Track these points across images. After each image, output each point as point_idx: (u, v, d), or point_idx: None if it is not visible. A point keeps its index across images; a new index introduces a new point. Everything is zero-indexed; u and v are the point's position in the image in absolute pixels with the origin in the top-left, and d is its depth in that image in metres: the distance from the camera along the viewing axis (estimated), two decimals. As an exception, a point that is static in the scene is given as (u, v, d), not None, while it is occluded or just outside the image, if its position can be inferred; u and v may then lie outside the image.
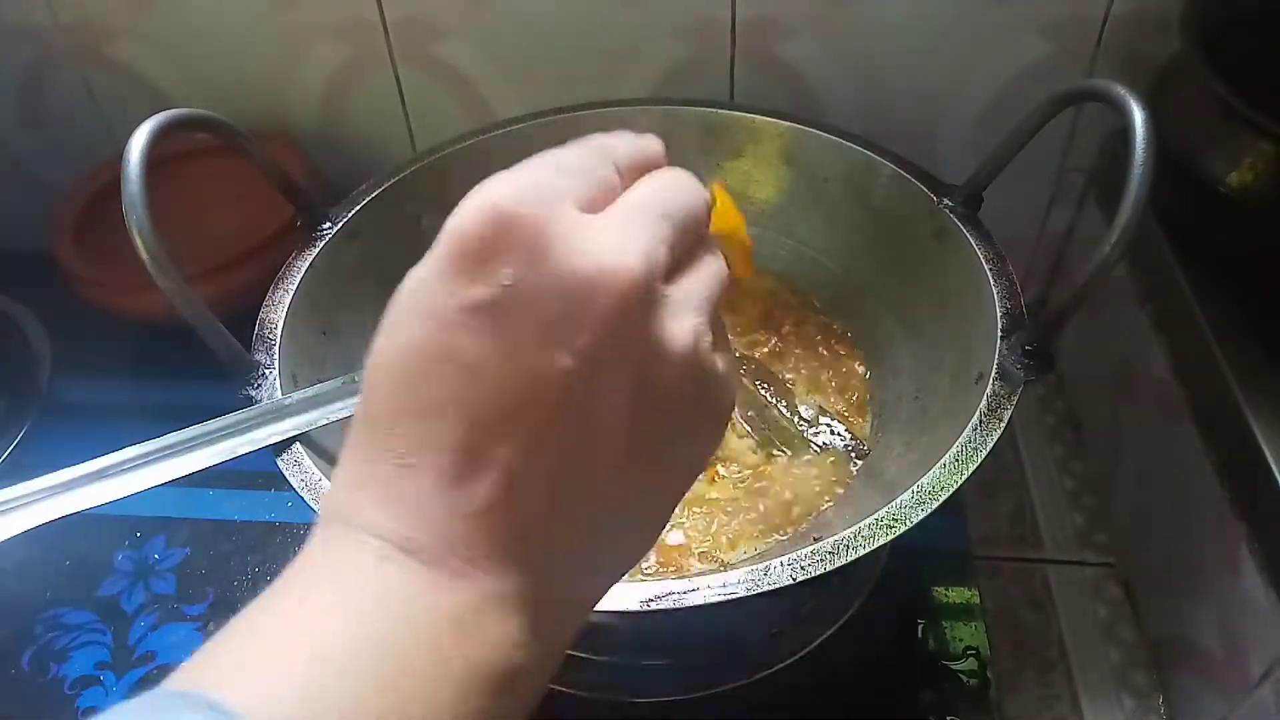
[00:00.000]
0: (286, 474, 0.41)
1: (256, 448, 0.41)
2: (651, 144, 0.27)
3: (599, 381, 0.22)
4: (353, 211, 0.53)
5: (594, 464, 0.22)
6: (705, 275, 0.25)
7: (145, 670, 0.52)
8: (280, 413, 0.43)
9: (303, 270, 0.50)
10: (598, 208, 0.23)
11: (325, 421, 0.43)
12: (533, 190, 0.22)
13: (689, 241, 0.25)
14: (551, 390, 0.21)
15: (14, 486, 0.37)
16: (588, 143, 0.25)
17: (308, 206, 0.52)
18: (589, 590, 0.25)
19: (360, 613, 0.21)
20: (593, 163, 0.24)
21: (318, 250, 0.51)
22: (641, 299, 0.22)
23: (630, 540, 0.25)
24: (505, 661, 0.22)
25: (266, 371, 0.45)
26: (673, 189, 0.25)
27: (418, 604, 0.21)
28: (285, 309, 0.48)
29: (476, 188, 0.22)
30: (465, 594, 0.21)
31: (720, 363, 0.25)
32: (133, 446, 0.39)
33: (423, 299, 0.22)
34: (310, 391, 0.44)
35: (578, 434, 0.22)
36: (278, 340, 0.46)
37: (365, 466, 0.22)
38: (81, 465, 0.38)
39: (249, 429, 0.42)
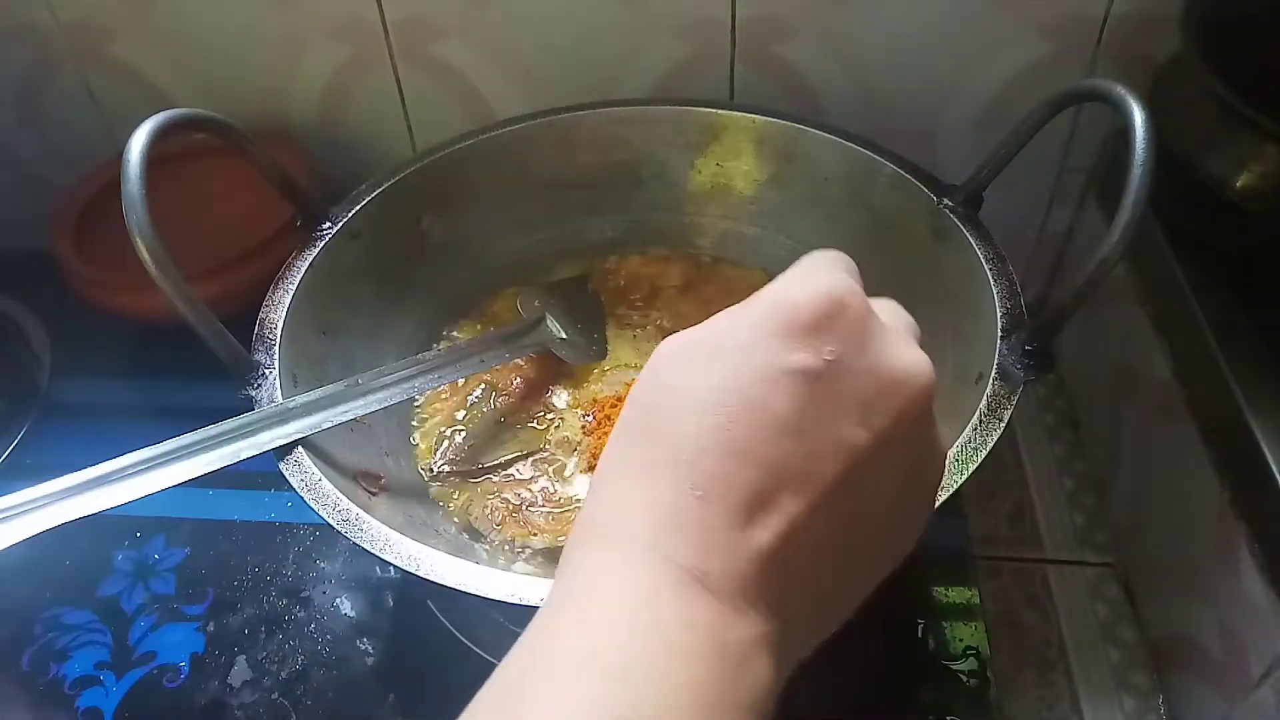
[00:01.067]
0: (289, 477, 0.41)
1: (260, 451, 0.41)
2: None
3: (884, 462, 0.24)
4: (353, 211, 0.53)
5: (858, 533, 0.25)
6: None
7: (145, 670, 0.52)
8: (284, 416, 0.43)
9: (303, 270, 0.50)
10: None
11: (329, 425, 0.43)
12: (854, 286, 0.25)
13: None
14: (844, 460, 0.24)
15: (19, 492, 0.37)
16: (840, 255, 0.29)
17: (308, 206, 0.52)
18: (810, 645, 0.26)
19: (665, 639, 0.22)
20: (857, 271, 0.28)
21: (318, 250, 0.51)
22: (929, 403, 0.25)
23: (849, 604, 0.27)
24: (763, 702, 0.23)
25: (266, 371, 0.45)
26: (908, 318, 0.29)
27: (715, 636, 0.22)
28: (285, 309, 0.48)
29: (804, 270, 0.26)
30: (747, 632, 0.22)
31: None
32: (137, 451, 0.39)
33: (743, 352, 0.24)
34: (314, 395, 0.44)
35: (854, 504, 0.24)
36: (278, 340, 0.46)
37: (651, 492, 0.23)
38: (86, 470, 0.38)
39: (253, 432, 0.42)
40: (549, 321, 0.56)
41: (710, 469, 0.23)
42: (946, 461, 0.27)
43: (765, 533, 0.23)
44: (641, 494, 0.23)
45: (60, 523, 0.37)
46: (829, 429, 0.24)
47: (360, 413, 0.45)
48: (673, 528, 0.23)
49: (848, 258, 0.29)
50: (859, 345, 0.24)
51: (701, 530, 0.23)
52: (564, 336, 0.56)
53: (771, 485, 0.23)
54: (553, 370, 0.56)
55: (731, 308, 0.26)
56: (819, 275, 0.25)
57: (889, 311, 0.28)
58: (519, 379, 0.56)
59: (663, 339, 0.27)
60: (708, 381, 0.24)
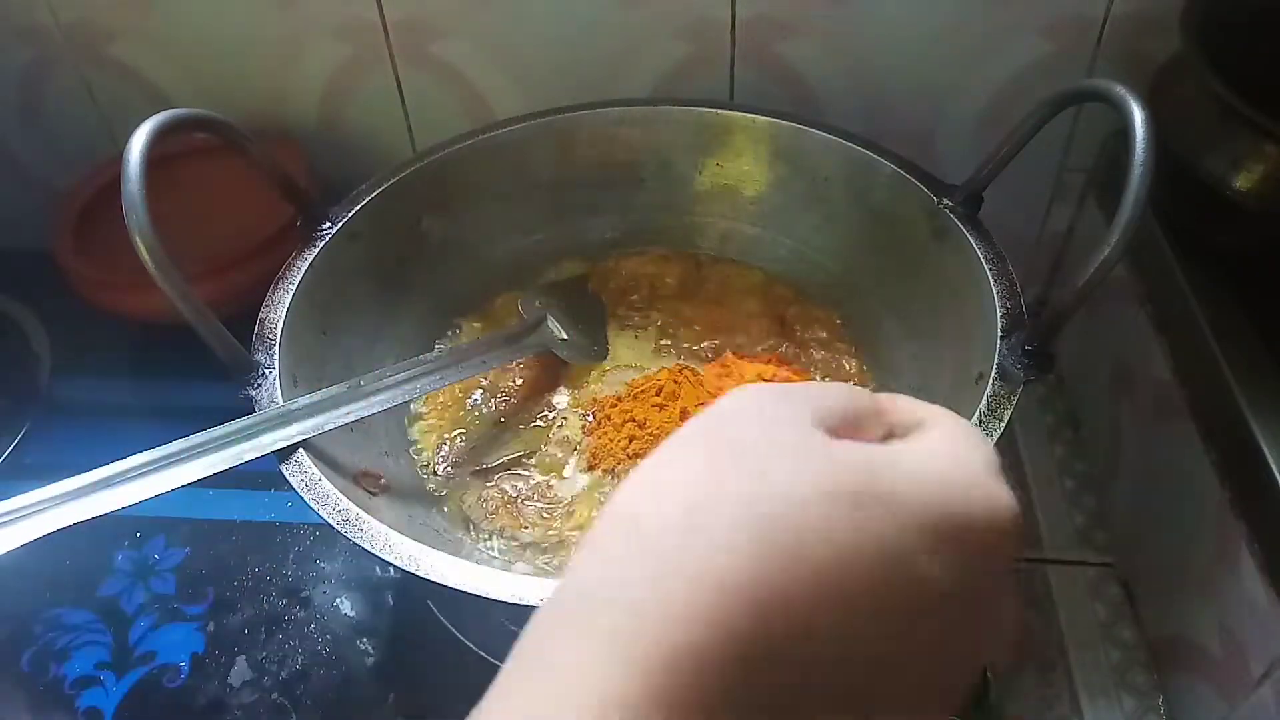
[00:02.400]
0: (290, 478, 0.41)
1: (263, 453, 0.41)
2: None
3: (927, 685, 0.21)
4: (353, 211, 0.53)
5: None
6: None
7: (145, 670, 0.52)
8: (286, 418, 0.43)
9: (303, 270, 0.50)
10: None
11: (331, 426, 0.43)
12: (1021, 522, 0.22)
13: None
14: (911, 707, 0.21)
15: (22, 495, 0.37)
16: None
17: (308, 206, 0.52)
18: None
19: None
20: None
21: (318, 250, 0.51)
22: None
23: None
24: None
25: (266, 372, 0.45)
26: None
27: None
28: (285, 309, 0.48)
29: (988, 477, 0.22)
30: None
31: None
32: (140, 454, 0.39)
33: (892, 536, 0.20)
34: (315, 396, 0.44)
35: None
36: (278, 340, 0.46)
37: (700, 628, 0.18)
38: (89, 473, 0.38)
39: (255, 434, 0.42)
40: (550, 322, 0.56)
41: (788, 656, 0.18)
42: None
43: None
44: (686, 608, 0.18)
45: (63, 526, 0.37)
46: (918, 663, 0.20)
47: (362, 414, 0.45)
48: (685, 700, 0.18)
49: None
50: (1000, 584, 0.21)
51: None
52: (565, 337, 0.56)
53: (836, 705, 0.19)
54: (553, 371, 0.56)
55: (915, 479, 0.21)
56: (1004, 491, 0.22)
57: None
58: (520, 379, 0.56)
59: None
60: (839, 545, 0.19)
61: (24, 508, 0.37)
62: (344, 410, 0.44)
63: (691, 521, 0.19)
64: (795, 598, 0.19)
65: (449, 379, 0.49)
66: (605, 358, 0.57)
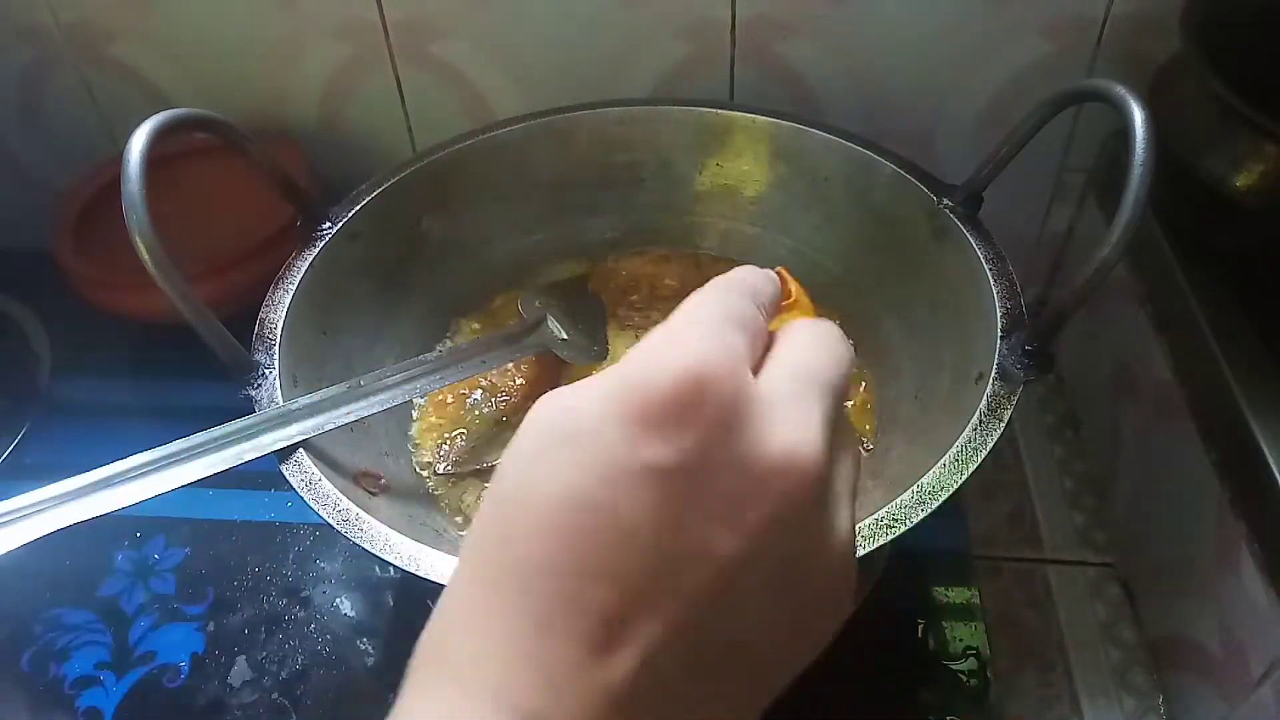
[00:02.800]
0: (290, 478, 0.41)
1: (263, 453, 0.41)
2: (775, 281, 0.28)
3: (760, 564, 0.21)
4: (353, 211, 0.53)
5: (737, 646, 0.22)
6: (853, 455, 0.24)
7: (145, 670, 0.52)
8: (286, 418, 0.43)
9: (303, 270, 0.50)
10: (757, 360, 0.23)
11: (331, 426, 0.43)
12: (726, 356, 0.22)
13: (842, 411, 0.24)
14: (710, 569, 0.21)
15: (22, 495, 0.37)
16: (738, 284, 0.25)
17: (308, 207, 0.52)
18: None
19: None
20: (752, 311, 0.24)
21: (318, 250, 0.51)
22: (815, 490, 0.22)
23: (733, 715, 0.23)
24: None
25: (266, 372, 0.45)
26: (828, 351, 0.24)
27: None
28: (285, 309, 0.48)
29: (663, 340, 0.22)
30: None
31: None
32: (141, 454, 0.39)
33: (592, 445, 0.21)
34: (315, 396, 0.44)
35: (728, 615, 0.21)
36: (278, 340, 0.46)
37: (494, 620, 0.21)
38: (90, 473, 0.38)
39: (255, 434, 0.42)
40: (550, 322, 0.56)
41: (555, 592, 0.20)
42: (854, 549, 0.24)
43: (620, 664, 0.20)
44: (487, 620, 0.21)
45: (63, 526, 0.37)
46: (690, 534, 0.20)
47: (362, 414, 0.45)
48: (515, 666, 0.20)
49: (757, 284, 0.25)
50: (724, 432, 0.21)
51: (546, 668, 0.20)
52: (565, 337, 0.56)
53: (624, 607, 0.20)
54: (554, 371, 0.56)
55: (596, 376, 0.22)
56: (684, 343, 0.22)
57: (812, 348, 0.24)
58: (520, 380, 0.56)
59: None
60: (556, 483, 0.21)
61: (24, 508, 0.37)
62: (344, 410, 0.44)
63: (539, 525, 0.22)
64: (547, 516, 0.21)
65: (449, 379, 0.49)
66: (605, 358, 0.57)
